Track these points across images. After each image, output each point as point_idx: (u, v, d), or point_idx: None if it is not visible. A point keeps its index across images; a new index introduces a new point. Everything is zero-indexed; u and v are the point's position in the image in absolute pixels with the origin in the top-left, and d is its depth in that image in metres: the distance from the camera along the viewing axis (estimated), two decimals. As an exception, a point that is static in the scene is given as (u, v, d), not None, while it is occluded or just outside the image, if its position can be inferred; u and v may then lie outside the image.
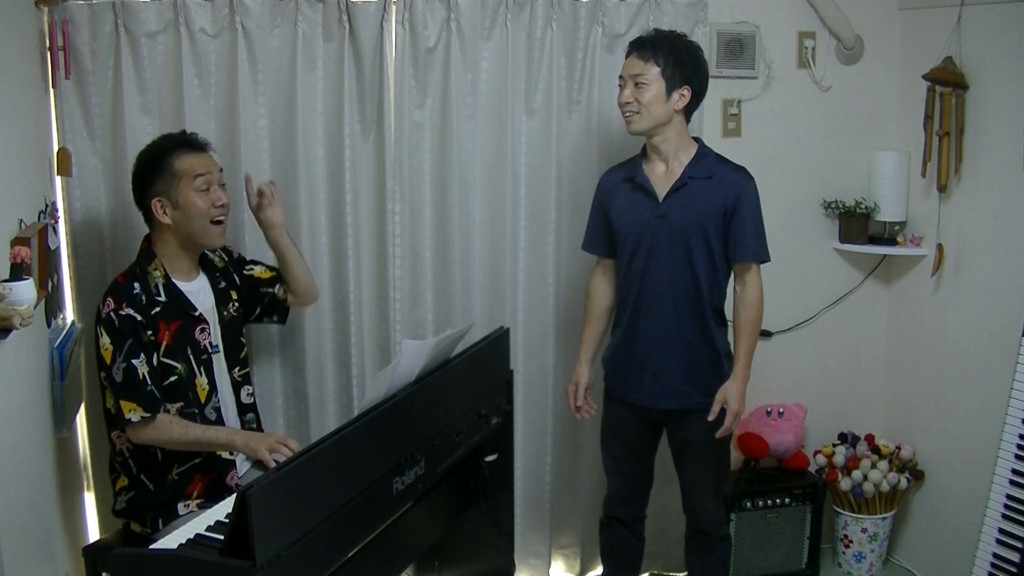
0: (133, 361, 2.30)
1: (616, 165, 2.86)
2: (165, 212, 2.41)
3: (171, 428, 2.32)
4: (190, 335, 2.44)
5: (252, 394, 2.62)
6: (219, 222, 2.45)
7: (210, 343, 2.49)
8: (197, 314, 2.46)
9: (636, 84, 2.64)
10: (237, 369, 2.58)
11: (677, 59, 2.64)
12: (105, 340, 2.32)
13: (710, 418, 2.67)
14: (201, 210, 2.40)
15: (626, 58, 2.70)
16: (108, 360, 2.31)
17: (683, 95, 2.66)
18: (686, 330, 2.70)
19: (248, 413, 2.61)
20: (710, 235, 2.67)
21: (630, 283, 2.74)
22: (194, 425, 2.36)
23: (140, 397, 2.30)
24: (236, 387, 2.58)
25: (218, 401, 2.49)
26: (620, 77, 2.71)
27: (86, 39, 2.76)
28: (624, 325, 2.78)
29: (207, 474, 2.44)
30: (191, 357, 2.43)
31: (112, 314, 2.32)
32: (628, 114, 2.67)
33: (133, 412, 2.29)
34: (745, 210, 2.66)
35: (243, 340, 2.63)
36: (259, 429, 2.64)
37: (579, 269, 3.20)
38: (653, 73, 2.63)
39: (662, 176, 2.71)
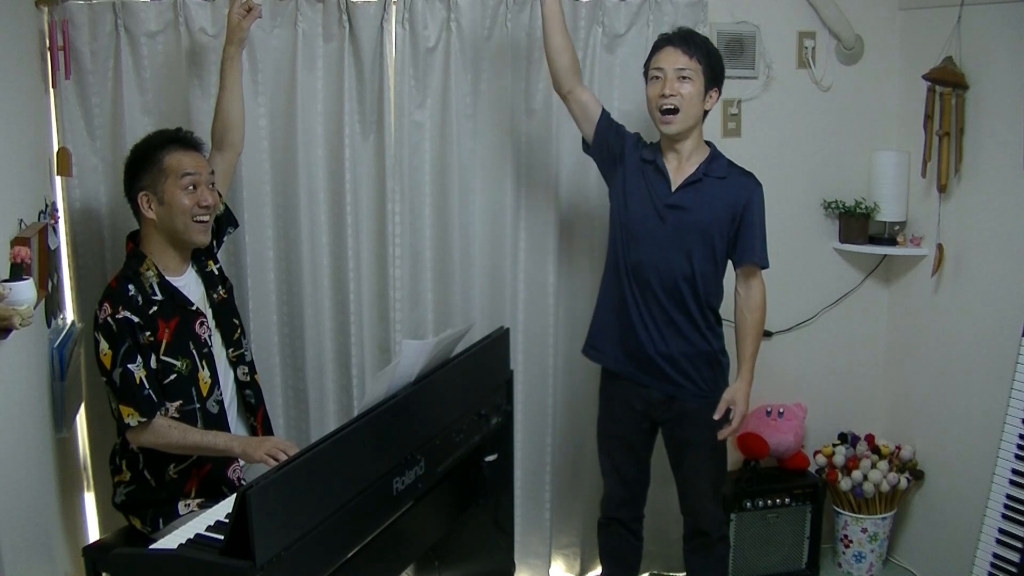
0: (129, 366, 2.30)
1: (644, 142, 2.81)
2: (150, 207, 2.41)
3: (169, 432, 2.32)
4: (190, 329, 2.45)
5: (248, 373, 2.62)
6: (202, 221, 2.44)
7: (209, 336, 2.50)
8: (194, 308, 2.47)
9: (680, 78, 2.60)
10: (231, 350, 2.58)
11: (713, 59, 2.64)
12: (104, 346, 2.32)
13: (716, 417, 2.68)
14: (184, 208, 2.40)
15: (658, 51, 2.65)
16: (108, 365, 2.31)
17: (712, 97, 2.66)
18: (683, 323, 2.70)
19: (246, 390, 2.61)
20: (714, 234, 2.66)
21: (627, 273, 2.73)
22: (193, 430, 2.36)
23: (137, 402, 2.30)
24: (232, 366, 2.59)
25: (220, 394, 2.49)
26: (657, 69, 2.63)
27: (86, 39, 2.76)
28: (620, 313, 2.76)
29: (203, 466, 2.44)
30: (193, 352, 2.43)
31: (109, 319, 2.32)
32: (669, 107, 2.60)
33: (131, 417, 2.29)
34: (755, 215, 2.67)
35: (236, 321, 2.62)
36: (259, 403, 2.64)
37: (579, 269, 3.20)
38: (697, 69, 2.60)
39: (674, 171, 2.70)
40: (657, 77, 2.64)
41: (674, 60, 2.61)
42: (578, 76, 2.79)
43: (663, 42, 2.66)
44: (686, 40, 2.63)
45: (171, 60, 2.83)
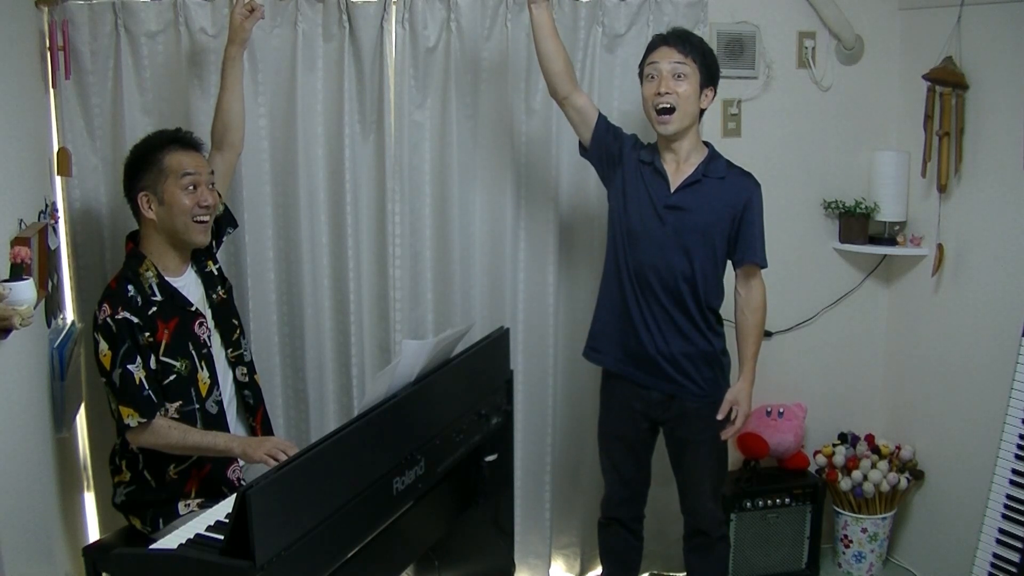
0: (129, 367, 2.30)
1: (641, 143, 2.81)
2: (150, 207, 2.41)
3: (169, 433, 2.33)
4: (189, 330, 2.45)
5: (247, 373, 2.62)
6: (202, 221, 2.44)
7: (208, 336, 2.50)
8: (193, 309, 2.47)
9: (676, 77, 2.61)
10: (230, 350, 2.58)
11: (708, 58, 2.66)
12: (104, 346, 2.32)
13: (719, 417, 2.69)
14: (185, 208, 2.40)
15: (653, 51, 2.66)
16: (108, 366, 2.31)
17: (707, 96, 2.67)
18: (683, 323, 2.70)
19: (245, 390, 2.61)
20: (714, 234, 2.67)
21: (627, 274, 2.73)
22: (193, 430, 2.36)
23: (137, 402, 2.30)
24: (231, 367, 2.58)
25: (219, 395, 2.49)
26: (653, 68, 2.64)
27: (86, 39, 2.76)
28: (621, 314, 2.76)
29: (203, 467, 2.44)
30: (192, 353, 2.43)
31: (108, 319, 2.32)
32: (665, 106, 2.61)
33: (131, 417, 2.29)
34: (755, 215, 2.68)
35: (235, 322, 2.62)
36: (258, 404, 2.64)
37: (579, 269, 3.20)
38: (693, 68, 2.61)
39: (673, 171, 2.71)
40: (652, 76, 2.64)
41: (669, 59, 2.62)
42: (573, 81, 2.78)
43: (658, 41, 2.67)
44: (681, 39, 2.64)
45: (171, 60, 2.83)
